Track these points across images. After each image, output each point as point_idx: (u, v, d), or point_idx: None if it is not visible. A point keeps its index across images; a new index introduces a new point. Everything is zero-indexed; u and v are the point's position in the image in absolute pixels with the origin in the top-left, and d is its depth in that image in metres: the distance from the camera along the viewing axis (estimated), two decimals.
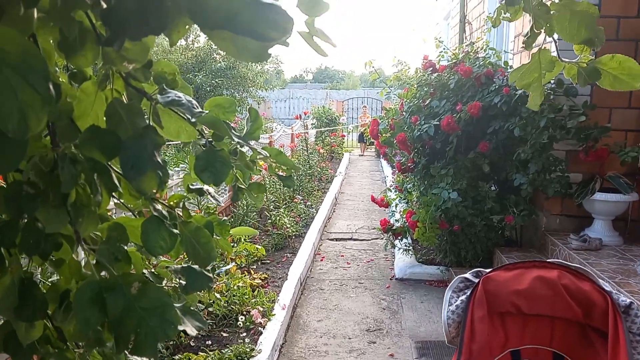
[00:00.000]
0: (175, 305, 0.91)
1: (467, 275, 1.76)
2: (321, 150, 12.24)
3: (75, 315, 0.72)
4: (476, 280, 1.73)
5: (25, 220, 0.77)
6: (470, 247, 4.57)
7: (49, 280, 1.14)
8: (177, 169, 4.95)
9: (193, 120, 0.73)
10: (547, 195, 4.23)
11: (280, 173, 1.01)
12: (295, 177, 7.34)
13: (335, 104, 20.76)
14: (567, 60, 1.23)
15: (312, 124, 14.57)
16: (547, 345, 1.74)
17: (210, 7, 0.53)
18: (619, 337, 1.52)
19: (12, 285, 0.78)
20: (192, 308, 0.93)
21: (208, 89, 13.59)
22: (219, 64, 14.14)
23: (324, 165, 10.98)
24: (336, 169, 11.46)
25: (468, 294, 1.70)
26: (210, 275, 0.97)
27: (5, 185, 0.78)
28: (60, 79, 0.89)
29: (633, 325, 1.57)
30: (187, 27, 0.64)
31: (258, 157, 0.88)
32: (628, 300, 1.60)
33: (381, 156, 6.01)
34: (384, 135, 5.25)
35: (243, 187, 0.91)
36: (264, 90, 16.45)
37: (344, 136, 16.02)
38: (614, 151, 4.15)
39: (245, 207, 6.03)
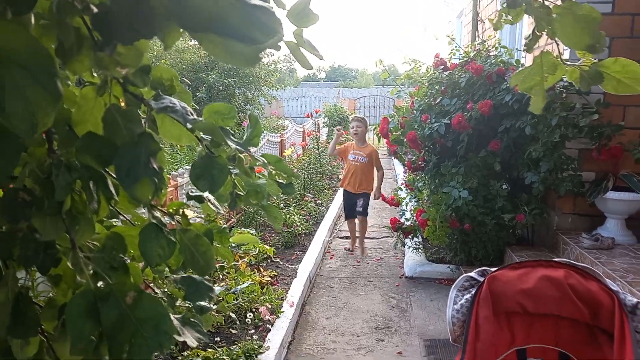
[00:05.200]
0: (175, 316, 0.91)
1: (472, 274, 1.75)
2: None
3: (68, 327, 0.70)
4: (481, 279, 1.72)
5: (23, 231, 0.77)
6: (480, 246, 4.54)
7: (42, 295, 1.15)
8: (187, 167, 4.98)
9: (189, 126, 0.73)
10: (559, 194, 4.19)
11: (280, 180, 1.01)
12: (296, 185, 7.35)
13: (347, 103, 20.72)
14: (569, 63, 1.22)
15: (323, 123, 14.58)
16: (553, 344, 1.73)
17: (194, 8, 0.52)
18: (625, 337, 1.51)
19: (6, 301, 0.78)
20: (192, 319, 0.93)
21: (220, 87, 13.64)
22: None
23: (335, 163, 10.98)
24: None
25: (473, 292, 1.70)
26: (211, 284, 0.97)
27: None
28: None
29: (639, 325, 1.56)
30: (181, 30, 0.65)
31: (257, 164, 0.88)
32: (635, 300, 1.59)
33: (392, 155, 5.97)
34: (394, 133, 5.24)
35: (241, 194, 0.91)
36: (276, 89, 16.47)
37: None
38: (628, 149, 4.10)
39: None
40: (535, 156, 4.13)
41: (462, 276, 1.75)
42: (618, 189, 4.05)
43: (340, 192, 6.81)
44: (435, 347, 3.47)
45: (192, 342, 0.86)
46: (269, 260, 4.92)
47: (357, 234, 5.70)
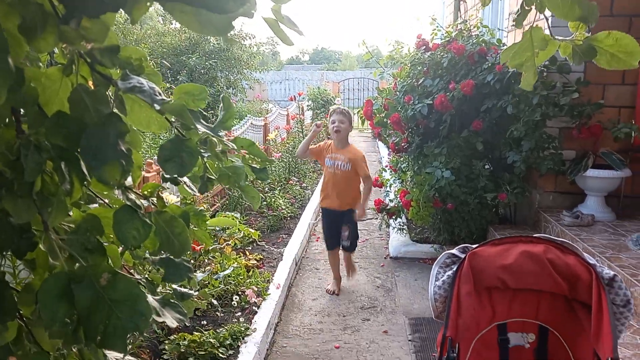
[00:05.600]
0: (155, 297, 0.89)
1: (454, 251, 1.77)
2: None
3: (41, 309, 0.70)
4: (462, 256, 1.74)
5: None
6: (463, 225, 4.59)
7: (25, 281, 1.14)
8: None
9: (157, 107, 0.71)
10: (541, 172, 4.25)
11: (254, 165, 1.00)
12: (276, 169, 7.32)
13: (331, 85, 20.62)
14: (561, 38, 1.21)
15: (307, 106, 14.49)
16: (533, 318, 1.77)
17: None
18: (603, 309, 1.54)
19: None
20: (172, 300, 0.92)
21: (202, 71, 13.46)
22: (212, 45, 14.03)
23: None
24: None
25: (454, 269, 1.72)
26: (190, 266, 0.96)
27: None
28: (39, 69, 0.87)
29: (616, 297, 1.60)
30: (148, 4, 0.63)
31: (228, 147, 0.87)
32: (612, 273, 1.62)
33: (376, 137, 5.85)
34: (378, 116, 5.23)
35: (213, 178, 0.89)
36: (259, 72, 16.31)
37: None
38: (607, 128, 4.16)
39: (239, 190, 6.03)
40: (517, 135, 4.17)
41: (443, 253, 1.77)
42: (598, 166, 4.12)
43: None
44: (420, 325, 3.52)
45: (171, 322, 0.86)
46: (254, 244, 4.92)
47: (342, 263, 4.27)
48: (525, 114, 4.10)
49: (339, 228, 4.06)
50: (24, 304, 0.94)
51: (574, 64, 1.23)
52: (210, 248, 3.73)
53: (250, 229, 4.49)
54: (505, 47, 4.66)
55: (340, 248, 4.12)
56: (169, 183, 1.14)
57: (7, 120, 0.78)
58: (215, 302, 3.41)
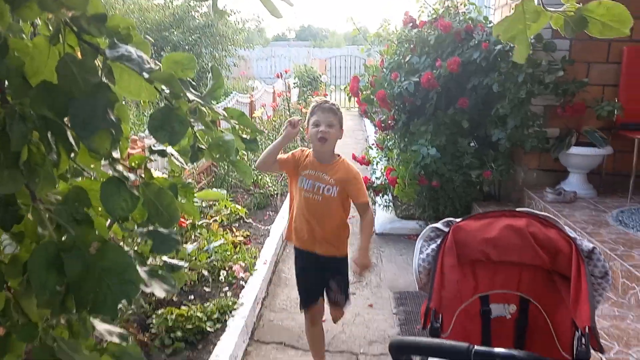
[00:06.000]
0: (143, 268, 0.90)
1: (438, 224, 1.80)
2: (303, 110, 12.14)
3: (31, 279, 0.70)
4: (447, 230, 1.77)
5: None
6: (448, 202, 4.65)
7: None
8: None
9: (145, 76, 0.71)
10: (525, 150, 4.31)
11: (245, 136, 1.00)
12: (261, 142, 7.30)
13: (318, 63, 20.44)
14: (552, 9, 1.22)
15: (294, 84, 14.39)
16: (514, 290, 1.82)
17: None
18: (581, 280, 1.59)
19: None
20: (160, 272, 0.93)
21: (186, 47, 13.28)
22: (197, 21, 13.82)
23: (306, 124, 10.90)
24: None
25: (438, 242, 1.75)
26: (178, 237, 0.97)
27: None
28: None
29: (595, 269, 1.64)
30: None
31: (219, 117, 0.87)
32: (591, 246, 1.67)
33: (363, 115, 5.79)
34: (364, 92, 5.23)
35: (203, 147, 0.90)
36: (244, 48, 16.10)
37: (327, 95, 15.86)
38: (590, 106, 4.21)
39: (226, 167, 6.02)
40: (502, 113, 4.21)
41: (428, 227, 1.80)
42: (581, 144, 4.18)
43: None
44: (404, 299, 3.59)
45: (160, 292, 0.87)
46: (241, 221, 4.93)
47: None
48: (511, 91, 4.12)
49: (320, 278, 2.64)
50: (10, 276, 0.94)
51: (557, 40, 1.24)
52: (197, 224, 3.73)
53: (237, 206, 4.50)
54: (492, 24, 4.67)
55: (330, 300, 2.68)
56: (154, 157, 1.14)
57: None
58: (206, 273, 3.43)
